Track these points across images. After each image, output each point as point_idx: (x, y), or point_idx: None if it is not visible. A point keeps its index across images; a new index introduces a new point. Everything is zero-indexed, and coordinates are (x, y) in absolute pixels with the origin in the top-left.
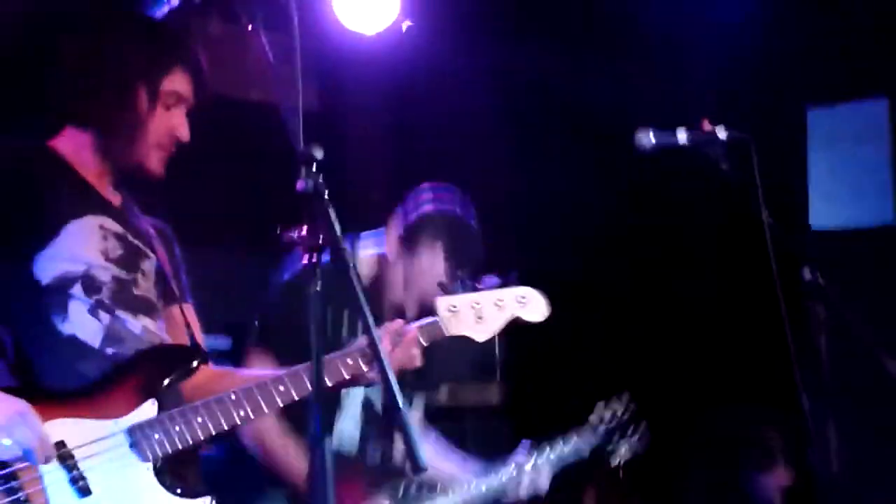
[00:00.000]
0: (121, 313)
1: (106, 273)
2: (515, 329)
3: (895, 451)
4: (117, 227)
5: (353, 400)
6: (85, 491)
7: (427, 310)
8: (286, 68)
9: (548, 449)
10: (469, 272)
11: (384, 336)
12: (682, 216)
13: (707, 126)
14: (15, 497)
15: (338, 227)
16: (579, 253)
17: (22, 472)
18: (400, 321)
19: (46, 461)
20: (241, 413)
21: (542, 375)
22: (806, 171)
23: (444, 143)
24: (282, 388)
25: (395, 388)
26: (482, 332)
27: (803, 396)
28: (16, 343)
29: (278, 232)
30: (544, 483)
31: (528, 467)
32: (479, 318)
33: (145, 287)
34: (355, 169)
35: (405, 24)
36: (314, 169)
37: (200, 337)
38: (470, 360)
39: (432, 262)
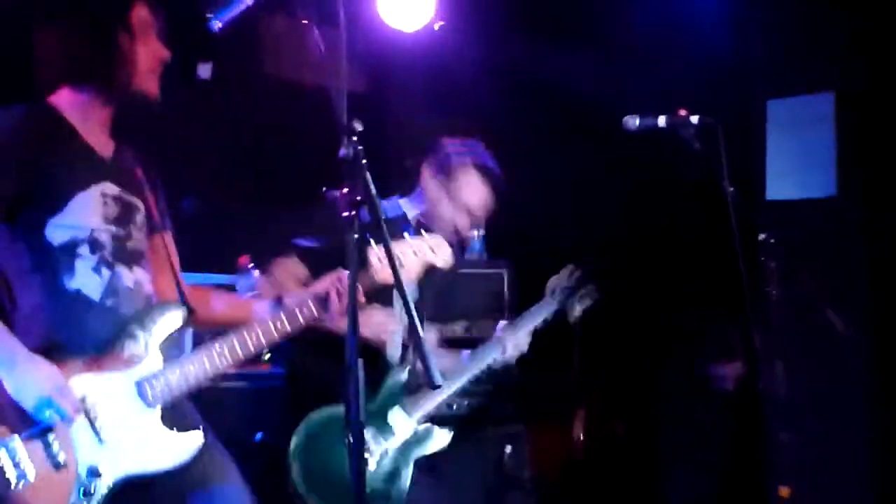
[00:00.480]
0: (118, 268)
1: (106, 234)
2: (520, 274)
3: (830, 378)
4: (115, 190)
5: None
6: (103, 438)
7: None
8: (334, 57)
9: (519, 319)
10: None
11: (331, 289)
12: (661, 189)
13: (682, 113)
14: (49, 449)
15: (373, 188)
16: (580, 212)
17: (56, 428)
18: (343, 274)
19: (75, 419)
20: (224, 362)
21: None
22: (764, 152)
23: (467, 124)
24: (253, 337)
25: (416, 319)
26: (404, 277)
27: (756, 336)
28: (29, 299)
29: (323, 191)
30: (523, 343)
31: (506, 335)
32: (401, 265)
33: (137, 238)
34: (392, 140)
35: (437, 24)
36: (354, 139)
37: (177, 263)
38: (482, 301)
39: (469, 182)
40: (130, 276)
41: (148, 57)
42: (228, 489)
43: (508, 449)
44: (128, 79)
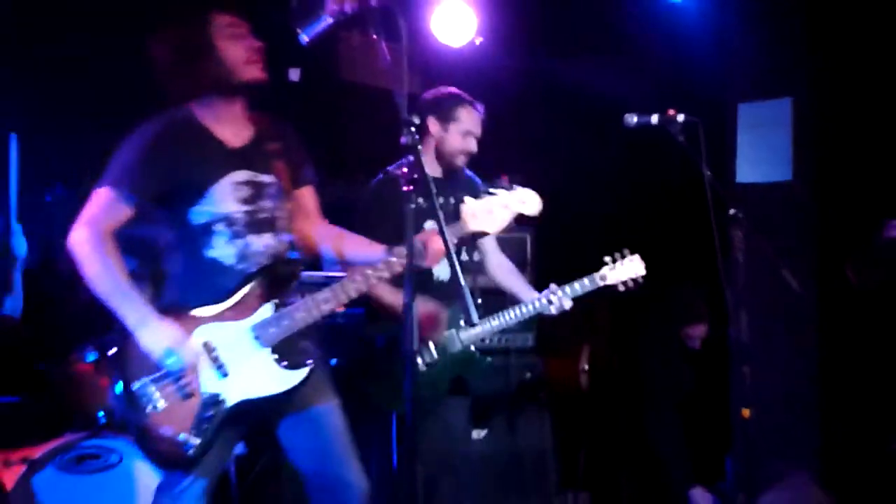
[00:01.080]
0: (249, 238)
1: (239, 212)
2: (541, 239)
3: (784, 325)
4: (245, 175)
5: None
6: (224, 372)
7: (457, 168)
8: (397, 66)
9: (567, 287)
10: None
11: (424, 241)
12: (653, 174)
13: (671, 112)
14: (179, 384)
15: (427, 168)
16: (591, 192)
17: (186, 371)
18: (434, 230)
19: (197, 363)
20: (324, 308)
21: (558, 268)
22: (735, 144)
23: (505, 121)
24: (350, 288)
25: (458, 268)
26: (494, 227)
27: (726, 291)
28: (173, 267)
29: (387, 169)
30: (568, 303)
31: (555, 295)
32: (492, 217)
33: (268, 208)
34: None
35: (478, 40)
36: (412, 130)
37: (315, 209)
38: (511, 257)
39: (467, 113)
40: (260, 242)
41: (242, 51)
42: (320, 409)
43: (528, 375)
44: (230, 74)
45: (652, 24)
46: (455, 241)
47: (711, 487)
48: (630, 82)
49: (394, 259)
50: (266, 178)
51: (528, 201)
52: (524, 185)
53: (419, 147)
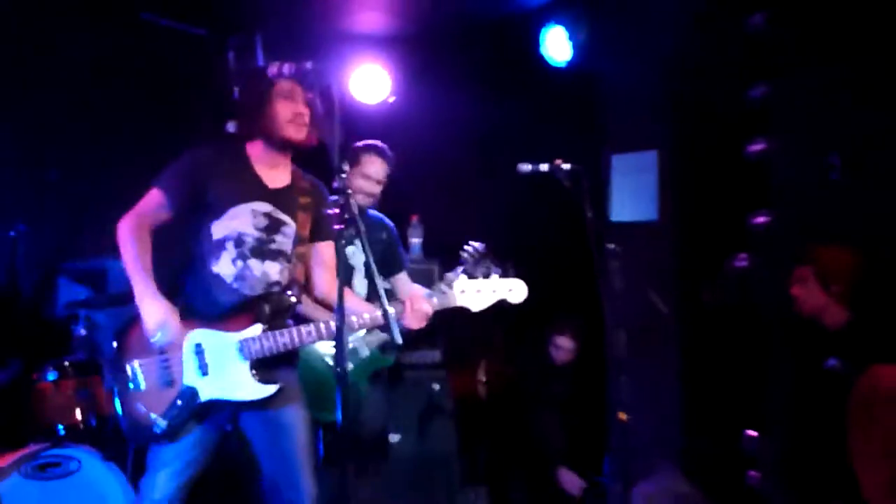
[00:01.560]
0: (250, 262)
1: (250, 236)
2: (447, 268)
3: (653, 339)
4: (266, 207)
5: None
6: (205, 372)
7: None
8: (330, 120)
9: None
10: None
11: (409, 302)
12: (545, 212)
13: (558, 161)
14: (163, 372)
15: (356, 208)
16: (485, 230)
17: (171, 356)
18: (421, 294)
19: (183, 351)
20: (306, 339)
21: None
22: (609, 189)
23: (415, 167)
24: (324, 330)
25: (385, 301)
26: (478, 307)
27: (605, 313)
28: (186, 276)
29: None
30: (453, 299)
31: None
32: (479, 297)
33: (281, 242)
34: None
35: (391, 98)
36: (343, 175)
37: (332, 262)
38: (421, 285)
39: (369, 160)
40: (260, 268)
41: (289, 112)
42: (287, 416)
43: (436, 386)
44: (275, 128)
45: (544, 88)
46: (439, 308)
47: (593, 481)
48: (524, 135)
49: (378, 314)
50: (285, 218)
51: (515, 290)
52: (506, 266)
53: (348, 191)
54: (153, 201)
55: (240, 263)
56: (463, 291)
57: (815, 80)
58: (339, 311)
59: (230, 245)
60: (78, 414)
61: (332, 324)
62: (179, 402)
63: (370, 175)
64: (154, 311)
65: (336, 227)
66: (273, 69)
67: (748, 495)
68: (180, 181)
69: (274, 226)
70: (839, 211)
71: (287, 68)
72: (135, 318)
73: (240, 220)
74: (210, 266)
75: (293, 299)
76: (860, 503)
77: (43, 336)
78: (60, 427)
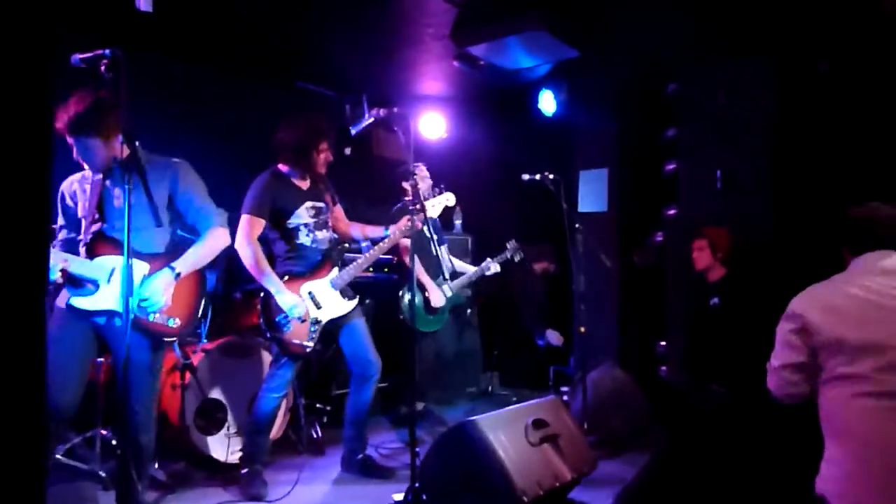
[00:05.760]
0: (316, 232)
1: (310, 221)
2: (478, 241)
3: (601, 283)
4: (311, 203)
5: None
6: (318, 306)
7: None
8: (407, 146)
9: (495, 258)
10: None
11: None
12: (538, 205)
13: (547, 173)
14: (298, 317)
15: (422, 196)
16: (503, 219)
17: (299, 304)
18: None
19: (303, 299)
20: (362, 266)
21: (489, 255)
22: (577, 191)
23: (459, 177)
24: (375, 254)
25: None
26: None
27: (572, 265)
28: (277, 250)
29: (398, 203)
30: (497, 267)
31: (491, 262)
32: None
33: (324, 218)
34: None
35: (445, 135)
36: (413, 180)
37: (342, 217)
38: (458, 252)
39: (423, 174)
40: (322, 234)
41: (322, 160)
42: (357, 322)
43: (469, 311)
44: (313, 166)
45: (539, 129)
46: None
47: (561, 369)
48: (526, 158)
49: (396, 232)
50: (320, 204)
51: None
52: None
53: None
54: (248, 223)
55: (311, 235)
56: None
57: (706, 127)
58: (410, 278)
59: (302, 228)
60: (254, 319)
61: (375, 251)
62: (313, 329)
63: (427, 177)
64: (288, 298)
65: (411, 207)
66: (375, 111)
67: (659, 381)
68: (262, 202)
69: (318, 210)
70: (719, 207)
71: (384, 112)
72: (267, 297)
73: (302, 216)
74: (295, 240)
75: (343, 249)
76: (731, 385)
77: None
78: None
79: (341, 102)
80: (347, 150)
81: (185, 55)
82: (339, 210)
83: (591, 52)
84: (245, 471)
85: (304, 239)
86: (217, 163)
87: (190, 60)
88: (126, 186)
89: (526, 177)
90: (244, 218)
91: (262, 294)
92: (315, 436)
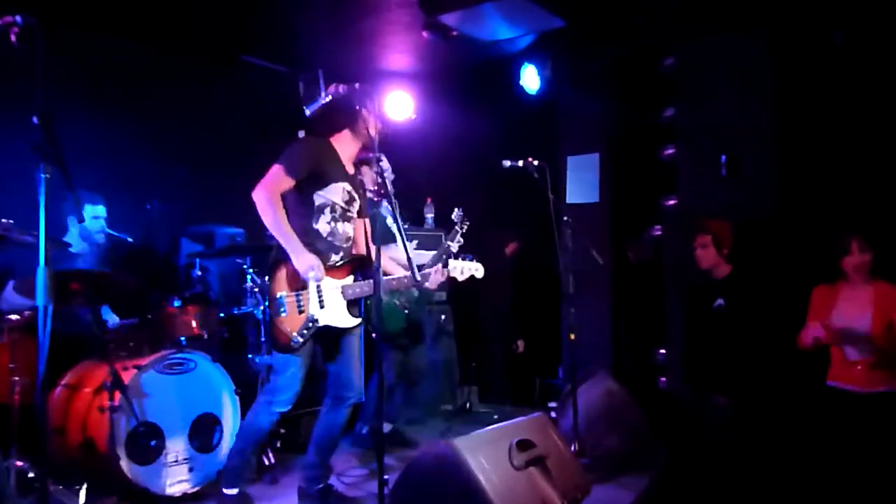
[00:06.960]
0: (338, 224)
1: (339, 205)
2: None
3: (592, 282)
4: (349, 187)
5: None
6: (322, 305)
7: None
8: (370, 131)
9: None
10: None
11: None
12: (520, 196)
13: (529, 159)
14: (299, 303)
15: (390, 186)
16: (482, 207)
17: (302, 293)
18: (438, 268)
19: (309, 290)
20: (377, 290)
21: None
22: (565, 179)
23: (430, 164)
24: (395, 283)
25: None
26: (460, 278)
27: (560, 262)
28: (296, 229)
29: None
30: (457, 245)
31: (449, 242)
32: (461, 273)
33: (353, 210)
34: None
35: (413, 116)
36: (381, 163)
37: (369, 237)
38: (434, 246)
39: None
40: (342, 227)
41: (365, 128)
42: (354, 339)
43: (443, 316)
44: (363, 131)
45: (521, 109)
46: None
47: (548, 381)
48: (507, 141)
49: (419, 278)
50: (356, 195)
51: (477, 270)
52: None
53: (385, 173)
54: (277, 174)
55: (332, 223)
56: (455, 268)
57: (708, 107)
58: (376, 271)
59: (327, 210)
60: (195, 330)
61: (394, 282)
62: (308, 325)
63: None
64: (306, 258)
65: (375, 199)
66: (333, 88)
67: (658, 393)
68: (303, 160)
69: (352, 199)
70: (725, 197)
71: (342, 89)
72: (278, 262)
73: (335, 193)
74: (313, 224)
75: (372, 263)
76: (736, 396)
77: (171, 277)
78: (183, 339)
79: (294, 79)
80: (301, 134)
81: (110, 25)
82: (365, 224)
83: (578, 22)
84: (235, 492)
85: (322, 225)
86: (147, 150)
87: (115, 31)
88: (43, 176)
89: (507, 163)
90: (275, 168)
91: (275, 256)
92: (267, 462)
